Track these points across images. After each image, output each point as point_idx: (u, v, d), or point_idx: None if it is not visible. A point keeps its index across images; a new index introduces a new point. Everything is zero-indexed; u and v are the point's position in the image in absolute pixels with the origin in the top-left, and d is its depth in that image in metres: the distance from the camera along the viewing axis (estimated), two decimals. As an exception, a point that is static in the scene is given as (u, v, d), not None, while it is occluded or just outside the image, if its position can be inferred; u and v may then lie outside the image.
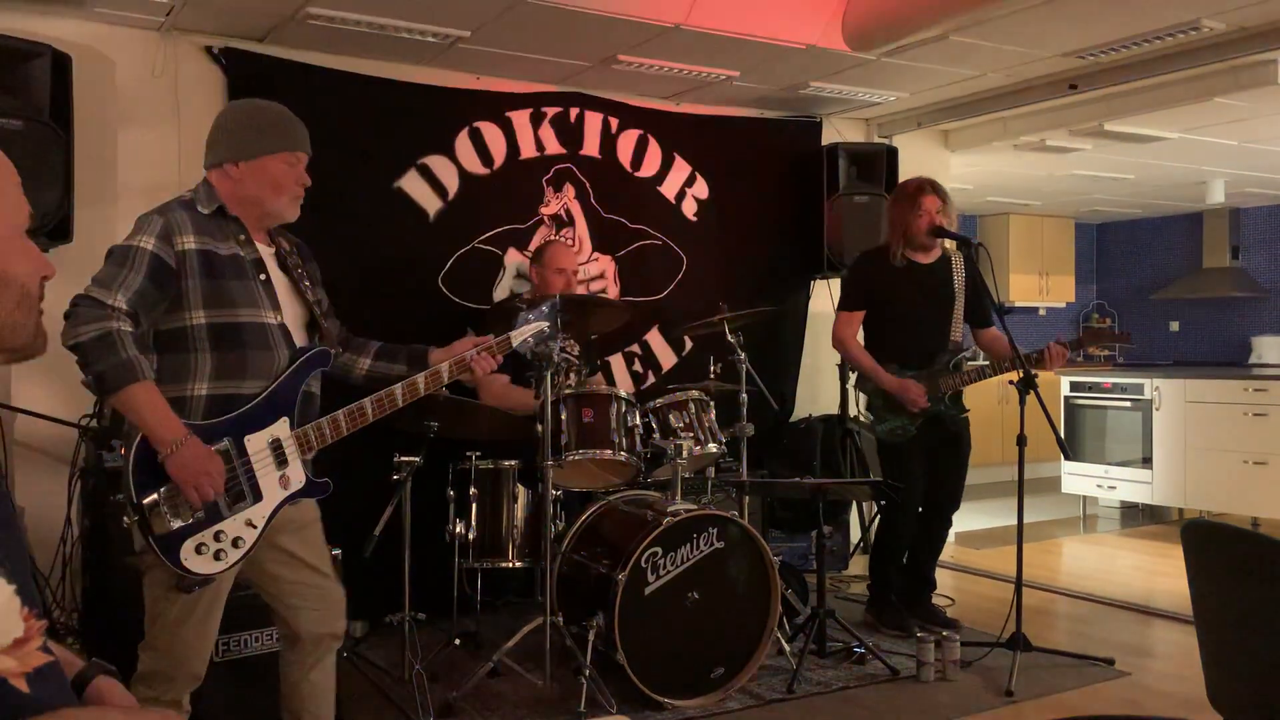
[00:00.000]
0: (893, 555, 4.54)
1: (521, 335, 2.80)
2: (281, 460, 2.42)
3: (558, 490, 3.94)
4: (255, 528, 2.37)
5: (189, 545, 2.28)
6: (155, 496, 2.25)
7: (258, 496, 2.38)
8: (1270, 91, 5.15)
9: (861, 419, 4.49)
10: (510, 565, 4.03)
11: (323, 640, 2.60)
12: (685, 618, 3.56)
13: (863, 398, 4.67)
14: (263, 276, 2.45)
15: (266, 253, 2.50)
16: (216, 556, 2.31)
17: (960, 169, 7.31)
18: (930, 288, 4.42)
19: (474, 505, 3.97)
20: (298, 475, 2.45)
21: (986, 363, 4.38)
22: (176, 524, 2.27)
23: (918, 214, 4.30)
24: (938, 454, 4.43)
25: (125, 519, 2.28)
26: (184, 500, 2.27)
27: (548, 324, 2.84)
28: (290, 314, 2.51)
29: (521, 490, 4.04)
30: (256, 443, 2.38)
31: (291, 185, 2.48)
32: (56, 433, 4.08)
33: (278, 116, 2.49)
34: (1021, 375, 3.91)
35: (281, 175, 2.46)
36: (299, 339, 2.52)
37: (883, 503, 4.62)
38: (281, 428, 2.42)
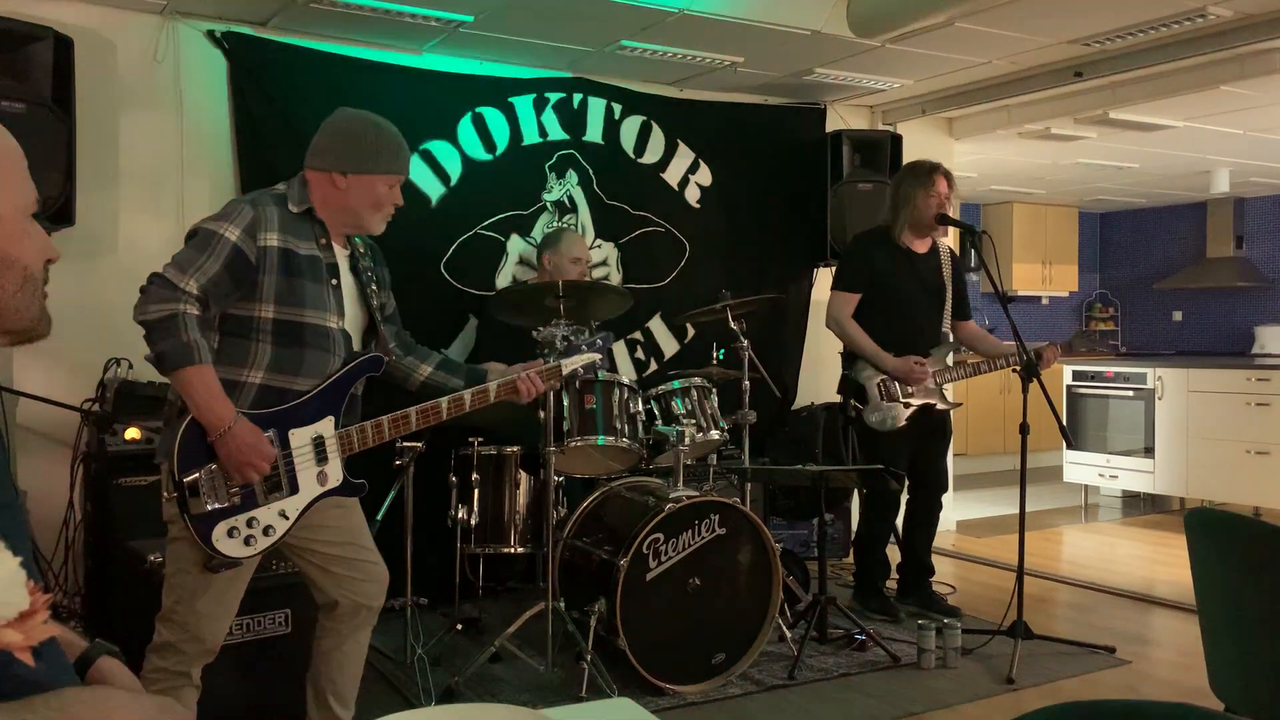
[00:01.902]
0: (879, 543, 4.57)
1: (573, 365, 2.89)
2: (322, 457, 2.47)
3: (560, 476, 3.94)
4: (287, 519, 2.42)
5: (222, 528, 2.33)
6: (197, 476, 2.31)
7: (294, 489, 2.43)
8: (1276, 80, 5.14)
9: (854, 405, 4.44)
10: (512, 551, 4.04)
11: (360, 611, 2.64)
12: (687, 604, 3.57)
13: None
14: (334, 281, 2.52)
15: (342, 255, 2.57)
16: (246, 542, 2.37)
17: (964, 157, 7.29)
18: (925, 277, 4.43)
19: (476, 491, 3.97)
20: (336, 473, 2.50)
21: (981, 359, 4.45)
22: (213, 505, 2.33)
23: (929, 195, 4.28)
24: (922, 442, 4.45)
25: (165, 494, 2.35)
26: (223, 483, 2.33)
27: (600, 356, 2.93)
28: (352, 319, 2.57)
29: (524, 476, 4.05)
30: (300, 437, 2.44)
31: (387, 205, 2.56)
32: (59, 416, 4.08)
33: (394, 139, 2.56)
34: (1024, 363, 3.92)
35: (383, 195, 2.54)
36: (357, 343, 2.60)
37: (868, 492, 4.63)
38: (326, 426, 2.48)
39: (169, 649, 2.43)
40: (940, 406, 4.41)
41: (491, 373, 2.77)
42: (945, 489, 4.64)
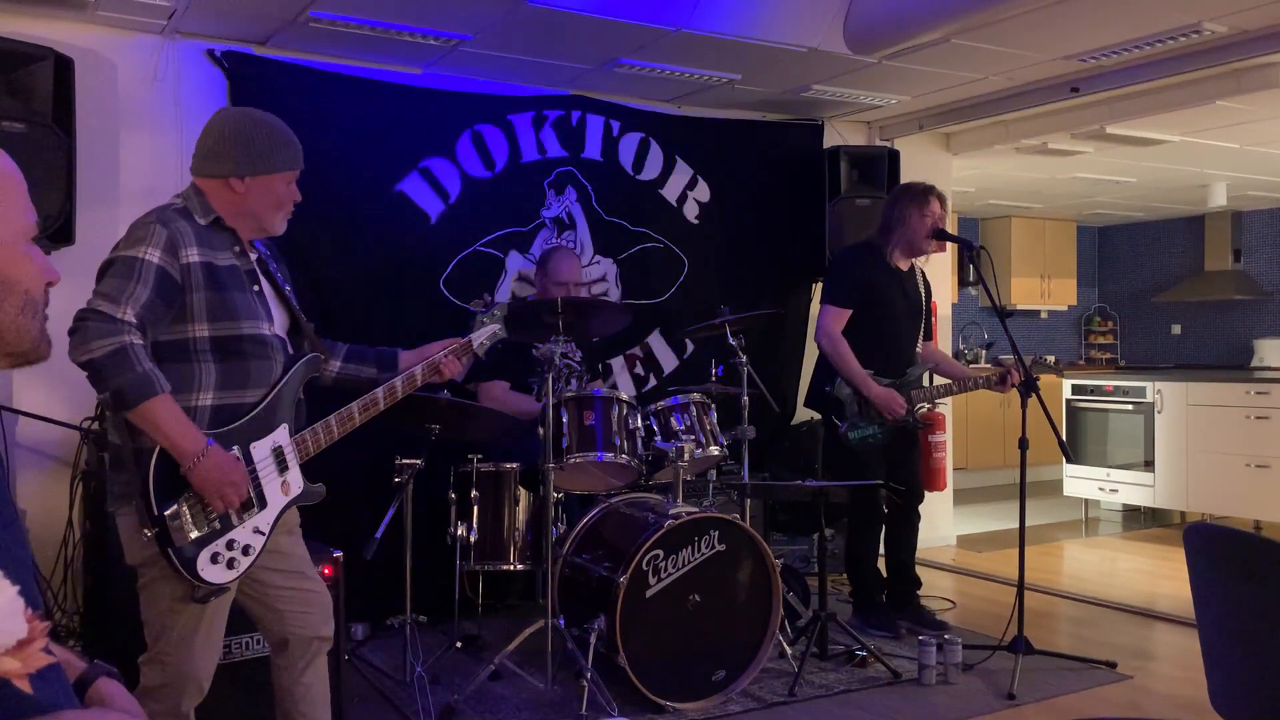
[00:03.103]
0: (869, 557, 4.58)
1: (480, 338, 2.87)
2: (283, 466, 2.44)
3: (559, 493, 3.94)
4: (262, 534, 2.39)
5: (205, 555, 2.28)
6: (175, 508, 2.25)
7: (263, 503, 2.40)
8: (1272, 95, 5.16)
9: (835, 421, 4.46)
10: (512, 568, 4.03)
11: (311, 644, 2.59)
12: (687, 620, 3.56)
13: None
14: (256, 287, 2.46)
15: (253, 260, 2.51)
16: (229, 565, 2.32)
17: (962, 172, 7.32)
18: (910, 295, 4.45)
19: (475, 508, 3.97)
20: (296, 481, 2.48)
21: (951, 381, 4.50)
22: (194, 534, 2.27)
23: (924, 215, 4.30)
24: (894, 454, 4.48)
25: (145, 533, 2.25)
26: (202, 510, 2.27)
27: (500, 327, 2.92)
28: (279, 322, 2.53)
29: (523, 493, 4.05)
30: (261, 450, 2.40)
31: (288, 203, 2.50)
32: (58, 435, 4.09)
33: (285, 134, 2.49)
34: (1023, 378, 3.95)
35: (283, 193, 2.47)
36: (288, 346, 2.55)
37: (850, 507, 4.64)
38: (282, 434, 2.45)
39: (163, 691, 2.36)
40: (914, 424, 4.47)
41: (403, 357, 2.75)
42: (921, 499, 4.66)
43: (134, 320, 2.21)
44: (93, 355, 2.17)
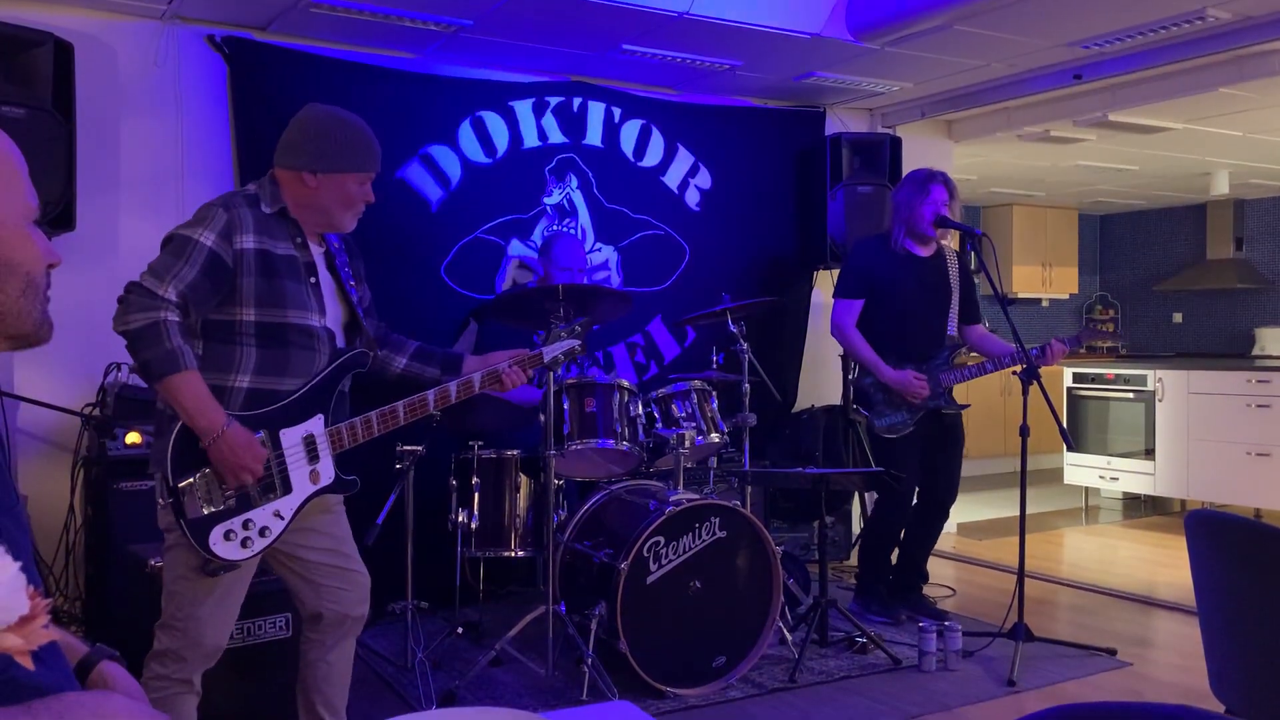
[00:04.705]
0: (885, 547, 4.54)
1: (554, 352, 2.88)
2: (313, 455, 2.47)
3: (560, 480, 3.94)
4: (283, 519, 2.43)
5: (218, 531, 2.34)
6: (191, 481, 2.32)
7: (288, 489, 2.43)
8: (1275, 81, 5.14)
9: (854, 415, 4.47)
10: (513, 554, 4.03)
11: (345, 621, 2.64)
12: (687, 607, 3.57)
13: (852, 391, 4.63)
14: (313, 280, 2.51)
15: (317, 253, 2.55)
16: (243, 544, 2.37)
17: (964, 159, 7.30)
18: (928, 281, 4.42)
19: (477, 494, 3.97)
20: (327, 471, 2.50)
21: (985, 359, 4.39)
22: (208, 509, 2.33)
23: (925, 203, 4.29)
24: (933, 448, 4.43)
25: (160, 500, 2.35)
26: (218, 487, 2.34)
27: (579, 343, 2.93)
28: (333, 315, 2.56)
29: (524, 480, 4.05)
30: (291, 437, 2.44)
31: (359, 202, 2.54)
32: (59, 421, 4.09)
33: (364, 136, 2.53)
34: (1025, 366, 3.92)
35: (354, 193, 2.52)
36: (340, 339, 2.59)
37: (878, 495, 4.62)
38: (316, 424, 2.48)
39: (170, 656, 2.42)
40: (947, 411, 4.40)
41: (467, 361, 2.77)
42: (953, 499, 4.57)
43: (174, 298, 2.29)
44: (128, 327, 2.28)
